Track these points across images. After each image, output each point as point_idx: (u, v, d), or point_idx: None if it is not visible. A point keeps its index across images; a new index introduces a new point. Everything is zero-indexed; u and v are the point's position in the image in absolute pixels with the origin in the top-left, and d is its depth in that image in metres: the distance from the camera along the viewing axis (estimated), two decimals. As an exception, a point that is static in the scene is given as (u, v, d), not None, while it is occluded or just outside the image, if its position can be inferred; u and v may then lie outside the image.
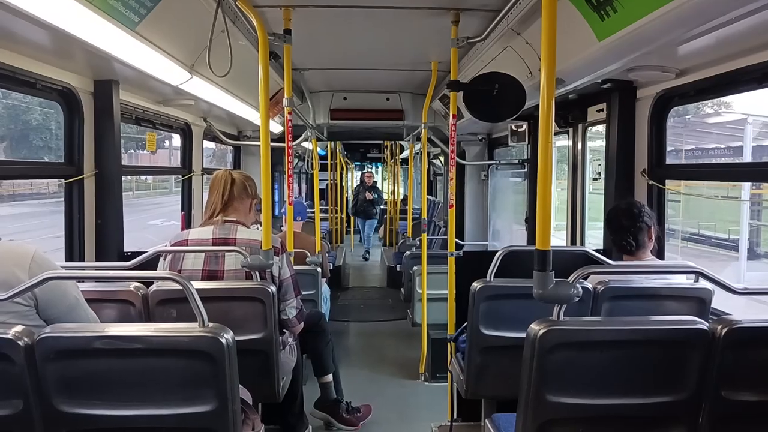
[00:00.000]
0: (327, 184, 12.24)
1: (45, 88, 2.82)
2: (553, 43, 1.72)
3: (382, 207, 12.51)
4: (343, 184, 12.96)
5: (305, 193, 14.86)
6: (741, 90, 2.85)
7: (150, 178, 23.69)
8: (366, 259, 11.68)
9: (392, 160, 13.23)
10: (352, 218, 12.95)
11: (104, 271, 2.46)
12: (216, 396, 1.68)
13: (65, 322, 1.81)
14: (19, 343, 1.58)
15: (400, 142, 11.10)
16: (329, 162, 11.38)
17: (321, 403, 3.91)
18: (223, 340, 1.64)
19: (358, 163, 16.15)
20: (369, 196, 11.53)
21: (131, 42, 2.50)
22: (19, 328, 1.61)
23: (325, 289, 5.25)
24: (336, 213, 12.30)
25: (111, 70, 3.01)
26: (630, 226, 2.62)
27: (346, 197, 13.53)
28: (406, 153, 12.96)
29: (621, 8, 2.21)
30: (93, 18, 2.15)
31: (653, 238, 2.68)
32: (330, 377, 3.87)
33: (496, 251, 2.65)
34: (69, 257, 3.14)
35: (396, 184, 13.33)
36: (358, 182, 13.68)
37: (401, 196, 13.45)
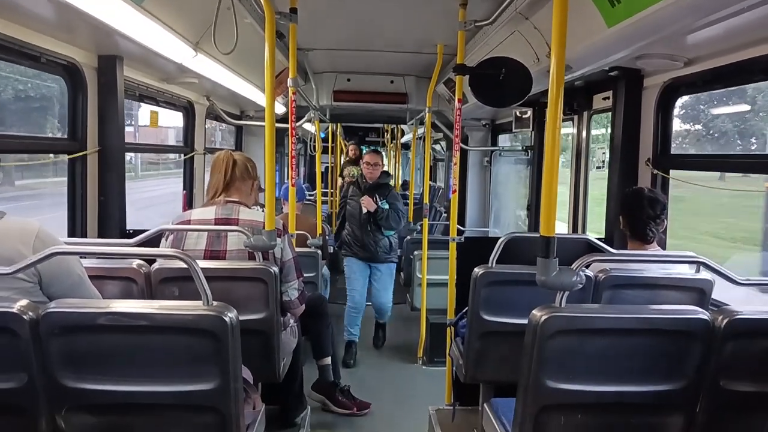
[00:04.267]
0: (327, 167, 11.98)
1: (49, 62, 2.79)
2: (564, 28, 1.70)
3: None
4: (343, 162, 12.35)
5: (304, 175, 14.79)
6: (749, 81, 2.83)
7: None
8: (349, 364, 4.98)
9: (393, 144, 12.96)
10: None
11: (108, 248, 2.46)
12: (218, 374, 1.69)
13: None
14: (24, 317, 1.58)
15: (402, 126, 10.87)
16: (329, 145, 11.19)
17: (318, 385, 3.95)
18: (227, 319, 1.65)
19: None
20: (368, 204, 5.08)
21: (136, 17, 2.49)
22: (24, 302, 1.62)
23: (325, 272, 5.26)
24: (336, 196, 11.85)
25: (115, 45, 2.99)
26: (655, 217, 2.60)
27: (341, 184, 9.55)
28: (406, 137, 12.81)
29: (632, -6, 2.19)
30: (99, -8, 2.13)
31: (664, 229, 2.69)
32: (328, 360, 3.90)
33: (497, 237, 2.65)
34: (71, 233, 3.14)
35: (397, 169, 12.88)
36: (345, 173, 8.90)
37: (401, 181, 13.13)
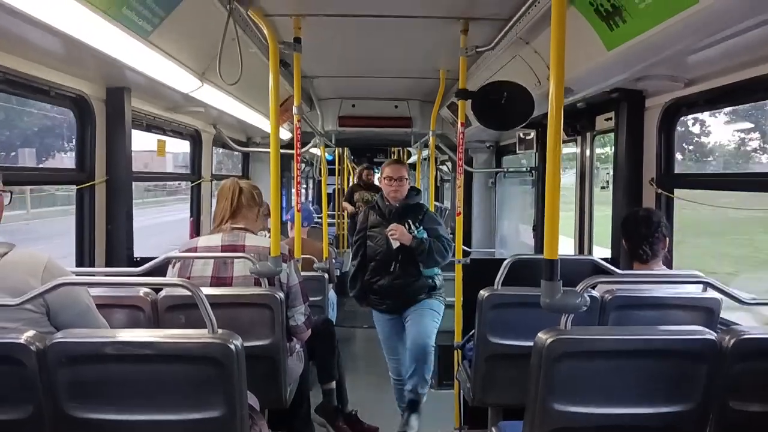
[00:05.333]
0: (334, 189, 11.94)
1: (58, 96, 2.85)
2: (562, 52, 1.73)
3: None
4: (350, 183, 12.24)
5: (313, 198, 14.80)
6: (750, 100, 2.85)
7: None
8: None
9: None
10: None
11: (115, 278, 2.49)
12: (224, 402, 1.69)
13: None
14: (31, 347, 1.60)
15: (408, 148, 10.89)
16: (336, 167, 11.19)
17: (321, 409, 3.92)
18: (233, 347, 1.65)
19: None
20: (401, 235, 3.68)
21: (144, 50, 2.54)
22: (31, 333, 1.63)
23: (332, 295, 5.25)
24: (342, 219, 11.79)
25: (123, 77, 3.05)
26: (648, 236, 2.62)
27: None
28: (413, 158, 12.82)
29: (630, 18, 2.22)
30: (107, 27, 2.18)
31: (666, 247, 2.68)
32: (333, 384, 3.87)
33: (504, 259, 2.65)
34: (80, 263, 3.17)
35: None
36: (356, 198, 8.60)
37: None
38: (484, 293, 2.48)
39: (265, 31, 2.79)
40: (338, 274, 6.09)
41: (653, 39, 2.14)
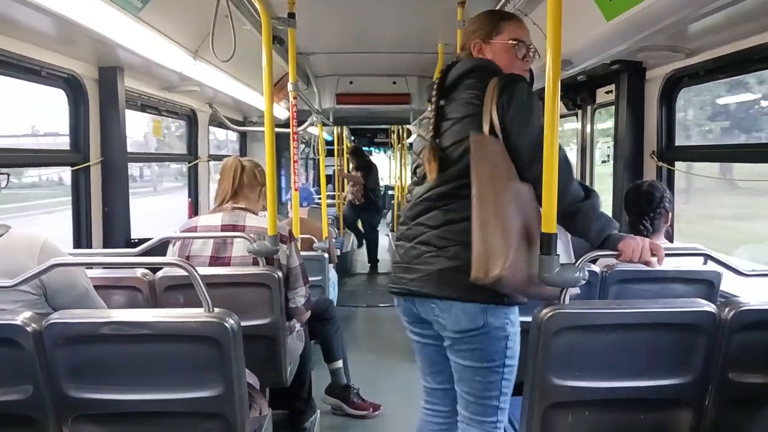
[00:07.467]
0: (334, 170, 11.85)
1: (50, 76, 2.82)
2: (559, 23, 1.68)
3: None
4: (349, 170, 12.18)
5: (312, 178, 14.75)
6: (752, 70, 2.80)
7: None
8: None
9: (399, 145, 12.85)
10: None
11: (111, 258, 2.48)
12: (222, 380, 1.69)
13: None
14: (28, 329, 1.59)
15: (408, 126, 10.79)
16: (336, 147, 11.12)
17: (331, 389, 3.94)
18: (228, 325, 1.65)
19: (366, 148, 15.83)
20: None
21: (134, 28, 2.50)
22: (27, 314, 1.62)
23: (333, 275, 5.26)
24: (342, 200, 11.69)
25: (115, 56, 3.01)
26: (649, 211, 2.59)
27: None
28: (412, 137, 12.70)
29: (629, -13, 2.17)
30: (95, 4, 2.15)
31: (668, 222, 2.66)
32: (339, 363, 3.88)
33: None
34: (77, 245, 3.16)
35: (404, 169, 12.71)
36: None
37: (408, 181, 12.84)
38: None
39: (258, 6, 2.73)
40: (339, 253, 6.10)
41: (653, 8, 2.10)
